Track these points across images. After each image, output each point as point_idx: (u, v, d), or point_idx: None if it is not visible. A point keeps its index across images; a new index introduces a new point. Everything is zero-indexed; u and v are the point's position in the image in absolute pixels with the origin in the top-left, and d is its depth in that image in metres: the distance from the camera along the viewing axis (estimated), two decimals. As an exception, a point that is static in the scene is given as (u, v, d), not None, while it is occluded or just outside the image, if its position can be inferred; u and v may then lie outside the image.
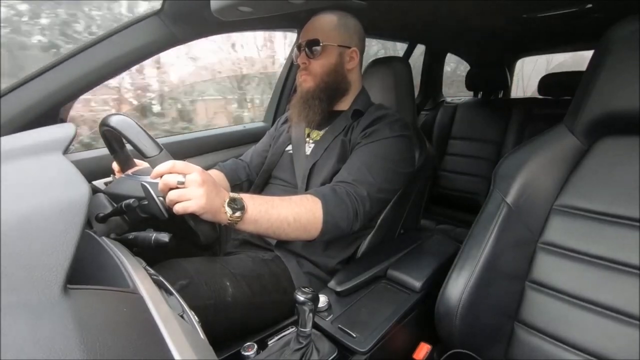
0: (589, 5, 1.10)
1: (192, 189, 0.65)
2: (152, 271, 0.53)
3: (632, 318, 0.62)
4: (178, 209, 0.65)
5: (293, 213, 0.77)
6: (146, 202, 0.70)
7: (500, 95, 2.28)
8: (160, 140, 0.68)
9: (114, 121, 0.69)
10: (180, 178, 0.64)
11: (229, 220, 0.70)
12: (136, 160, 0.88)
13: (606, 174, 0.71)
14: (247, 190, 1.15)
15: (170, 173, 0.65)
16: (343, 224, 0.84)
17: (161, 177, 0.65)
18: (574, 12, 1.17)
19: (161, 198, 0.67)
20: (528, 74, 4.38)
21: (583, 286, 0.68)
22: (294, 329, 0.76)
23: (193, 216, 0.67)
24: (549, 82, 1.92)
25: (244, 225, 0.73)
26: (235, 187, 1.12)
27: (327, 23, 0.99)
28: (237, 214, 0.70)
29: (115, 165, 0.87)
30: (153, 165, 0.66)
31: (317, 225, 0.81)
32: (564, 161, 0.76)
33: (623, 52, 0.67)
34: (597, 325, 0.66)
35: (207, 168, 1.11)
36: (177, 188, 0.65)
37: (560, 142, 0.77)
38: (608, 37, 0.69)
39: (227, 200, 0.69)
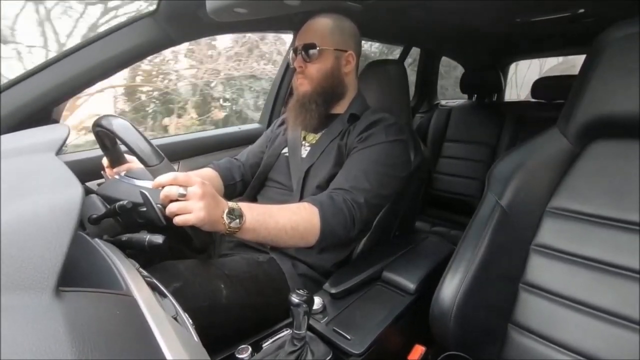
0: (582, 10, 1.11)
1: (193, 202, 0.65)
2: (145, 273, 0.52)
3: (625, 320, 0.63)
4: (178, 221, 0.65)
5: (291, 222, 0.78)
6: (144, 209, 0.69)
7: (494, 99, 2.29)
8: (155, 142, 0.67)
9: (113, 125, 0.68)
10: (182, 190, 0.64)
11: (228, 230, 0.70)
12: (126, 156, 0.87)
13: (598, 176, 0.72)
14: (242, 190, 1.14)
15: (172, 185, 0.65)
16: (340, 232, 0.84)
17: (162, 187, 0.65)
18: (566, 16, 1.19)
19: (160, 206, 0.67)
20: (522, 77, 4.43)
21: (576, 288, 0.69)
22: (288, 331, 0.76)
23: (191, 226, 0.67)
24: (542, 86, 1.94)
25: (243, 234, 0.73)
26: (229, 186, 1.12)
27: (323, 26, 0.99)
28: (236, 224, 0.70)
29: (104, 161, 0.86)
30: (154, 175, 0.66)
31: (314, 233, 0.81)
32: (557, 164, 0.77)
33: (615, 56, 0.68)
34: (590, 327, 0.66)
35: (201, 169, 1.12)
36: (177, 200, 0.65)
37: (553, 145, 0.77)
38: (600, 41, 0.70)
39: (226, 211, 0.70)
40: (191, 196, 0.65)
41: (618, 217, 0.67)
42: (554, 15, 1.19)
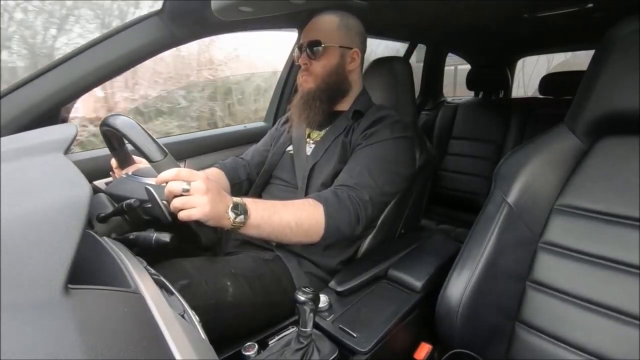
0: (590, 5, 1.09)
1: (196, 196, 0.65)
2: (152, 271, 0.53)
3: (633, 318, 0.62)
4: (182, 216, 0.65)
5: (295, 218, 0.78)
6: (149, 206, 0.70)
7: (501, 95, 2.27)
8: (161, 140, 0.68)
9: (118, 123, 0.68)
10: (185, 185, 0.65)
11: (232, 225, 0.70)
12: (135, 158, 0.88)
13: (607, 173, 0.71)
14: (247, 189, 1.15)
15: (175, 180, 0.65)
16: (345, 229, 0.84)
17: (166, 182, 0.65)
18: (574, 11, 1.17)
19: (165, 202, 0.68)
20: (529, 74, 4.39)
21: (584, 286, 0.68)
22: (294, 328, 0.76)
23: (196, 221, 0.67)
24: (549, 82, 1.92)
25: (247, 230, 0.73)
26: (235, 185, 1.12)
27: (328, 24, 0.99)
28: (240, 219, 0.71)
29: (113, 162, 0.87)
30: (158, 170, 0.66)
31: (319, 230, 0.81)
32: (565, 161, 0.76)
33: (624, 51, 0.67)
34: (598, 325, 0.66)
35: (207, 168, 1.12)
36: (181, 195, 0.65)
37: (561, 142, 0.77)
38: (609, 36, 0.69)
39: (230, 206, 0.70)
40: (195, 191, 0.65)
41: (627, 215, 0.67)
42: (561, 10, 1.17)
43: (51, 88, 0.89)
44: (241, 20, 0.93)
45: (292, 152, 1.06)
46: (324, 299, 0.80)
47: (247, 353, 0.69)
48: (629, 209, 0.67)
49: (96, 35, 0.92)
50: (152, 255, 0.65)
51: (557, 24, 1.41)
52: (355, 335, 0.73)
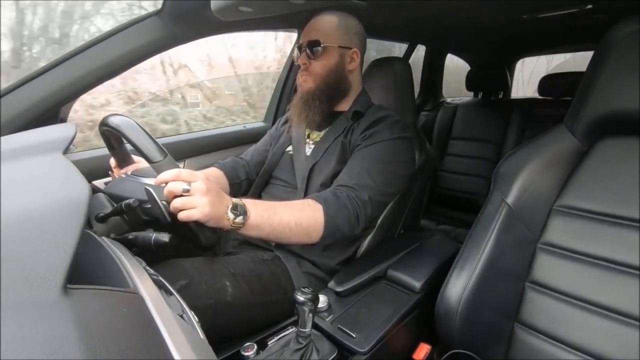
0: (589, 6, 1.10)
1: (196, 197, 0.65)
2: (152, 271, 0.53)
3: (632, 319, 0.62)
4: (182, 216, 0.65)
5: (295, 218, 0.78)
6: (149, 206, 0.70)
7: (501, 96, 2.28)
8: (160, 141, 0.68)
9: (118, 123, 0.68)
10: (185, 186, 0.65)
11: (232, 226, 0.70)
12: (133, 157, 0.88)
13: (606, 174, 0.71)
14: (247, 189, 1.15)
15: (176, 181, 0.65)
16: (344, 229, 0.84)
17: (166, 183, 0.65)
18: (574, 12, 1.17)
19: (164, 202, 0.68)
20: (528, 74, 4.38)
21: (583, 287, 0.68)
22: (293, 329, 0.76)
23: (196, 222, 0.67)
24: (549, 83, 1.92)
25: (247, 230, 0.73)
26: (234, 185, 1.12)
27: (328, 24, 0.99)
28: (240, 220, 0.71)
29: (112, 162, 0.87)
30: (158, 171, 0.66)
31: (318, 230, 0.81)
32: (564, 162, 0.76)
33: (623, 52, 0.67)
34: (597, 326, 0.66)
35: (206, 168, 1.12)
36: (181, 196, 0.65)
37: (560, 142, 0.77)
38: (608, 37, 0.69)
39: (230, 207, 0.70)
40: (195, 191, 0.65)
41: (627, 216, 0.67)
42: (561, 11, 1.17)
43: (51, 87, 0.89)
44: (241, 20, 0.93)
45: (291, 152, 1.06)
46: (323, 299, 0.80)
47: (246, 353, 0.69)
48: (629, 209, 0.67)
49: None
50: (151, 255, 0.65)
51: (556, 25, 1.41)
52: (354, 336, 0.73)
